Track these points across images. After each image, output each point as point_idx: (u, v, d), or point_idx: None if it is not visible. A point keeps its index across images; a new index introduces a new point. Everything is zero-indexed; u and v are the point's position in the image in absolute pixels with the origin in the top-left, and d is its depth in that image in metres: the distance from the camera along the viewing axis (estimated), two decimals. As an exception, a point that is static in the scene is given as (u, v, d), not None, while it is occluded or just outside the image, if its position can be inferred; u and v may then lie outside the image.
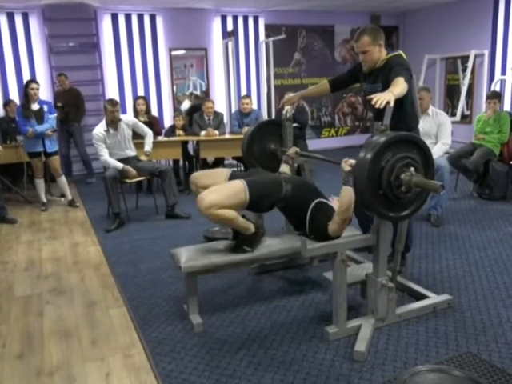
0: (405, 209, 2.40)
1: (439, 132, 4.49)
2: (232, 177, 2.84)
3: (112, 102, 4.85)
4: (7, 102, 6.57)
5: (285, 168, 3.21)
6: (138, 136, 5.22)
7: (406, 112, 2.93)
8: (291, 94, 3.51)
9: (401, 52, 3.00)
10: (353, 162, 2.48)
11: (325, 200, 2.81)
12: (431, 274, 3.35)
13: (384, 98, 2.39)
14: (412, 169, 2.27)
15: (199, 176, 2.92)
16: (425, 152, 2.37)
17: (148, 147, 5.14)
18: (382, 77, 2.92)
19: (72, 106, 6.74)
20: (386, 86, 2.74)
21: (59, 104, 6.50)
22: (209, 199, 2.50)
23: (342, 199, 2.59)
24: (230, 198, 2.55)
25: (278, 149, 3.40)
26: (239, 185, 2.62)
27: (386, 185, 2.25)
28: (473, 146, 5.39)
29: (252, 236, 2.69)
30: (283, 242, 2.77)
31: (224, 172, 2.91)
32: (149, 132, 5.20)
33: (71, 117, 6.73)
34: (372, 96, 2.44)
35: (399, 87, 2.61)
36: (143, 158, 5.10)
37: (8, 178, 6.06)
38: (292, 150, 3.23)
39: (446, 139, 4.48)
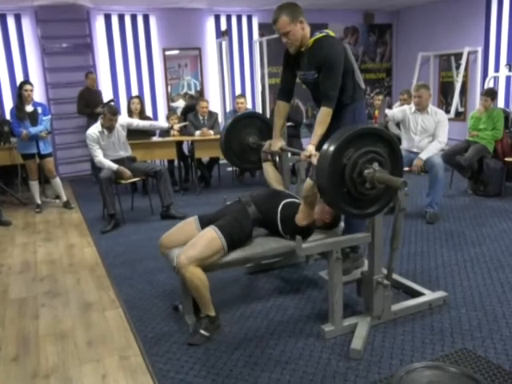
0: (371, 205, 2.31)
1: (436, 130, 4.52)
2: (202, 221, 2.77)
3: (113, 111, 4.78)
4: None
5: (268, 167, 3.19)
6: (132, 137, 5.20)
7: (346, 84, 2.77)
8: (269, 143, 3.10)
9: (328, 32, 2.77)
10: None
11: (290, 199, 2.81)
12: (426, 270, 3.36)
13: (308, 154, 2.57)
14: (376, 164, 2.17)
15: (167, 239, 2.76)
16: (391, 144, 2.26)
17: (167, 124, 5.70)
18: (313, 62, 2.73)
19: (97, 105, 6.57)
20: (319, 74, 2.70)
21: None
22: (187, 256, 2.46)
23: (304, 186, 2.60)
24: (206, 248, 2.50)
25: (256, 142, 3.32)
26: (211, 233, 2.56)
27: (349, 182, 2.17)
28: (467, 142, 5.42)
29: (212, 319, 2.60)
30: (277, 241, 2.77)
31: (192, 223, 2.80)
32: (147, 122, 5.36)
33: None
34: (303, 158, 2.64)
35: (321, 126, 2.67)
36: (176, 127, 5.77)
37: (2, 179, 6.04)
38: (267, 145, 3.10)
39: (442, 138, 4.51)
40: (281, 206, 2.75)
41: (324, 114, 2.69)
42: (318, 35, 2.74)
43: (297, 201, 2.81)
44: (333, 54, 2.67)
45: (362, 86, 2.89)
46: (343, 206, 2.25)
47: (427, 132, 4.57)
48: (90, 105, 6.52)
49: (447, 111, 7.74)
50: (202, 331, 2.55)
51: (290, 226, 2.70)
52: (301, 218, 2.66)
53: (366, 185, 2.18)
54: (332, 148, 2.13)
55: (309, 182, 2.57)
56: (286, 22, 2.68)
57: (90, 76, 6.83)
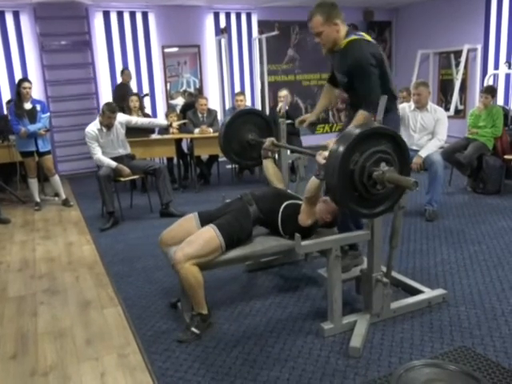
0: (380, 204, 2.28)
1: (436, 127, 4.51)
2: (202, 218, 2.76)
3: (111, 108, 4.76)
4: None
5: (268, 164, 3.18)
6: (131, 134, 5.19)
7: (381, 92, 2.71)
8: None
9: (362, 35, 2.75)
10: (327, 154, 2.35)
11: (292, 201, 2.80)
12: (426, 268, 3.35)
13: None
14: (383, 164, 2.12)
15: (167, 236, 2.75)
16: (395, 140, 2.20)
17: (166, 121, 5.66)
18: (344, 67, 2.72)
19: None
20: (350, 80, 2.69)
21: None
22: (183, 253, 2.46)
23: (308, 186, 2.56)
24: (204, 246, 2.50)
25: (255, 139, 3.31)
26: (210, 231, 2.56)
27: (360, 186, 2.13)
28: (466, 140, 5.40)
29: (203, 317, 2.60)
30: (277, 239, 2.76)
31: (192, 220, 2.79)
32: (146, 120, 5.35)
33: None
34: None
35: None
36: (175, 124, 5.70)
37: (1, 177, 6.03)
38: (268, 142, 3.13)
39: (442, 135, 4.51)
40: (283, 207, 2.74)
41: (362, 118, 2.63)
42: (352, 37, 2.70)
43: (299, 202, 2.78)
44: (358, 58, 2.64)
45: (396, 93, 2.86)
46: (353, 206, 2.21)
47: (426, 130, 4.57)
48: (124, 99, 6.46)
49: (447, 109, 7.74)
50: (193, 329, 2.56)
51: (290, 227, 2.68)
52: (304, 219, 2.65)
53: (377, 186, 2.14)
54: (338, 156, 2.08)
55: (314, 181, 2.52)
56: (319, 22, 2.65)
57: (125, 72, 7.05)
